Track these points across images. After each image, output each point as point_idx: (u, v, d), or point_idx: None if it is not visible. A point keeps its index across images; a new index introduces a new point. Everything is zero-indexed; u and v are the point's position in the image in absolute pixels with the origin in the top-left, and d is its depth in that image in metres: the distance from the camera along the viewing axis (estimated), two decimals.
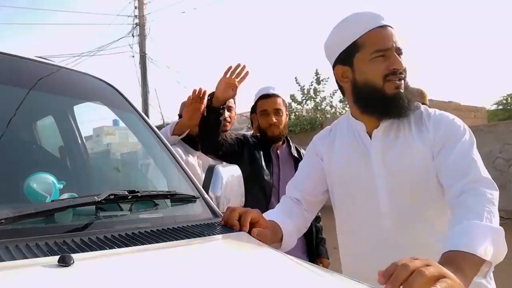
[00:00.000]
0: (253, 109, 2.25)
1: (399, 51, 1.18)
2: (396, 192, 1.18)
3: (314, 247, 2.12)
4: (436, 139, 1.16)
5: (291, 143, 2.23)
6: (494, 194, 1.03)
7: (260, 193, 2.01)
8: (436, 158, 1.15)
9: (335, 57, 1.25)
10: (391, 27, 1.19)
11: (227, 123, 2.44)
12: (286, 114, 2.19)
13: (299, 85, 13.18)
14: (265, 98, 2.15)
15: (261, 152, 2.11)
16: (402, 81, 1.17)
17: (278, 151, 2.17)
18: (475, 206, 0.99)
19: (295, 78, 13.17)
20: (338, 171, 1.29)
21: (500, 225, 0.99)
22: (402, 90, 1.17)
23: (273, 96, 2.14)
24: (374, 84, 1.18)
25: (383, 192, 1.20)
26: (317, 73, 13.02)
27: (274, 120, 2.10)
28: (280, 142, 2.18)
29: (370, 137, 1.24)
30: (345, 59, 1.23)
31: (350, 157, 1.27)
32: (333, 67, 1.27)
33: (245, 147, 2.10)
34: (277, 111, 2.12)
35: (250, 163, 2.05)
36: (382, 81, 1.16)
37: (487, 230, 0.94)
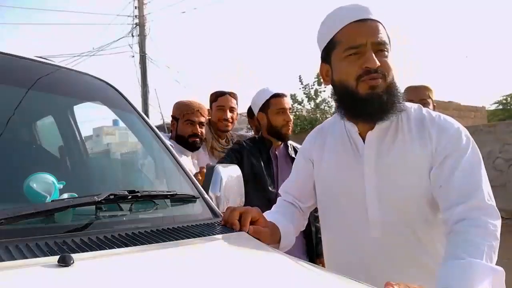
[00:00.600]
0: (262, 108, 2.19)
1: (378, 47, 1.07)
2: (386, 201, 1.11)
3: (314, 247, 2.11)
4: (439, 148, 1.07)
5: (288, 143, 2.23)
6: (497, 225, 0.96)
7: (265, 203, 2.00)
8: (435, 169, 1.06)
9: (320, 54, 1.18)
10: (375, 20, 1.09)
11: (229, 124, 2.44)
12: None
13: (301, 84, 13.20)
14: (280, 96, 2.16)
15: (261, 160, 2.09)
16: (380, 80, 1.07)
17: (277, 152, 2.17)
18: (477, 240, 0.93)
19: (299, 76, 13.19)
20: (327, 173, 1.23)
21: (500, 225, 0.98)
22: (378, 90, 1.07)
23: (285, 95, 2.19)
24: (347, 85, 1.10)
25: (373, 200, 1.12)
26: (318, 75, 13.06)
27: (291, 118, 2.15)
28: (279, 142, 2.18)
29: (364, 139, 1.16)
30: (325, 57, 1.16)
31: (341, 160, 1.20)
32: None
33: (244, 157, 2.09)
34: (290, 110, 2.17)
35: (252, 174, 2.04)
36: (355, 81, 1.08)
37: (488, 271, 0.89)
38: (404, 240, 1.11)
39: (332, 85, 1.17)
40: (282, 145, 2.20)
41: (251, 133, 2.73)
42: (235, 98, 2.49)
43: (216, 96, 2.47)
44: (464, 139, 1.07)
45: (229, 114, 2.42)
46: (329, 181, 1.23)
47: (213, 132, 2.39)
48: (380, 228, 1.12)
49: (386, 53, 1.09)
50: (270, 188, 2.02)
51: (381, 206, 1.12)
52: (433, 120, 1.12)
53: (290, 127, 2.15)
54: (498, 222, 0.97)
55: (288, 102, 2.18)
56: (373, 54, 1.06)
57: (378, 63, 1.05)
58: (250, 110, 2.62)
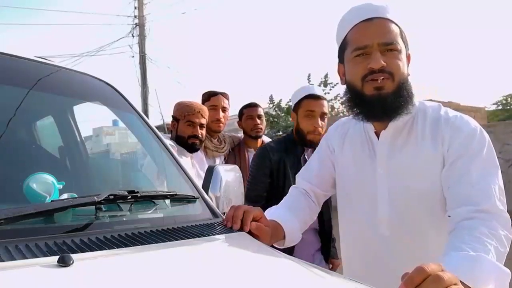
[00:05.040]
0: (295, 108, 2.04)
1: (386, 47, 1.05)
2: (396, 199, 1.11)
3: (329, 246, 2.05)
4: (451, 149, 1.04)
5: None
6: (508, 235, 0.92)
7: None
8: (447, 169, 1.04)
9: (337, 54, 1.20)
10: (385, 19, 1.07)
11: (221, 124, 2.44)
12: None
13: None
14: (313, 98, 1.97)
15: (290, 169, 1.95)
16: (385, 81, 1.05)
17: (306, 156, 2.00)
18: (484, 238, 0.89)
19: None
20: (343, 166, 1.25)
21: None
22: (384, 91, 1.05)
23: (321, 98, 1.99)
24: (355, 86, 1.10)
25: (383, 198, 1.13)
26: (326, 77, 13.12)
27: (320, 124, 1.95)
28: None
29: (379, 137, 1.16)
30: (340, 57, 1.18)
31: (357, 157, 1.21)
32: None
33: (274, 173, 1.96)
34: (323, 115, 1.98)
35: (281, 187, 1.93)
36: (361, 82, 1.08)
37: (495, 268, 0.86)
38: (411, 240, 1.10)
39: (345, 85, 1.17)
40: (310, 149, 2.01)
41: (240, 134, 2.73)
42: (227, 98, 2.50)
43: (209, 96, 2.47)
44: (478, 141, 1.04)
45: (221, 114, 2.43)
46: (344, 174, 1.25)
47: (206, 132, 2.38)
48: (389, 226, 1.12)
49: (395, 52, 1.06)
50: None
51: (391, 204, 1.12)
52: (448, 120, 1.09)
53: (317, 136, 1.92)
54: (508, 233, 0.93)
55: (323, 105, 1.96)
56: (379, 54, 1.05)
57: (382, 64, 1.04)
58: (241, 112, 2.61)
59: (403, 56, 1.09)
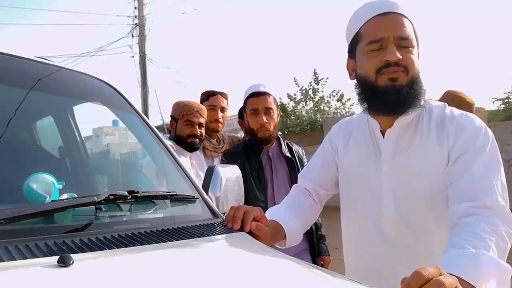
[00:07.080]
0: (242, 110, 2.13)
1: (401, 41, 1.06)
2: (401, 198, 1.11)
3: (315, 245, 2.06)
4: (456, 146, 1.05)
5: (281, 141, 2.14)
6: (507, 228, 0.91)
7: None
8: (450, 166, 1.04)
9: (347, 49, 1.19)
10: (400, 14, 1.08)
11: (219, 124, 2.43)
12: (278, 114, 2.10)
13: (298, 86, 13.22)
14: (256, 96, 2.03)
15: (251, 172, 1.96)
16: (400, 73, 1.05)
17: (269, 153, 2.07)
18: (484, 234, 0.88)
19: (294, 78, 13.21)
20: (348, 165, 1.25)
21: None
22: (398, 83, 1.06)
23: (264, 94, 2.02)
24: (368, 78, 1.10)
25: (388, 197, 1.13)
26: (315, 73, 13.09)
27: (265, 120, 1.98)
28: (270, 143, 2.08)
29: (384, 136, 1.16)
30: (351, 52, 1.17)
31: (361, 155, 1.21)
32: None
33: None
34: (268, 110, 2.01)
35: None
36: (375, 74, 1.07)
37: (495, 265, 0.85)
38: (416, 239, 1.10)
39: (356, 80, 1.17)
40: (274, 144, 2.10)
41: (241, 134, 2.72)
42: (226, 98, 2.49)
43: (207, 96, 2.46)
44: (482, 139, 1.04)
45: (220, 114, 2.42)
46: (349, 174, 1.25)
47: (205, 132, 2.38)
48: (393, 224, 1.12)
49: (410, 48, 1.07)
50: (262, 205, 1.86)
51: (396, 203, 1.12)
52: (453, 119, 1.09)
53: (266, 131, 1.98)
54: (510, 229, 0.92)
55: (267, 101, 2.00)
56: (395, 48, 1.05)
57: (398, 57, 1.04)
58: (241, 111, 2.60)
59: (416, 52, 1.10)
